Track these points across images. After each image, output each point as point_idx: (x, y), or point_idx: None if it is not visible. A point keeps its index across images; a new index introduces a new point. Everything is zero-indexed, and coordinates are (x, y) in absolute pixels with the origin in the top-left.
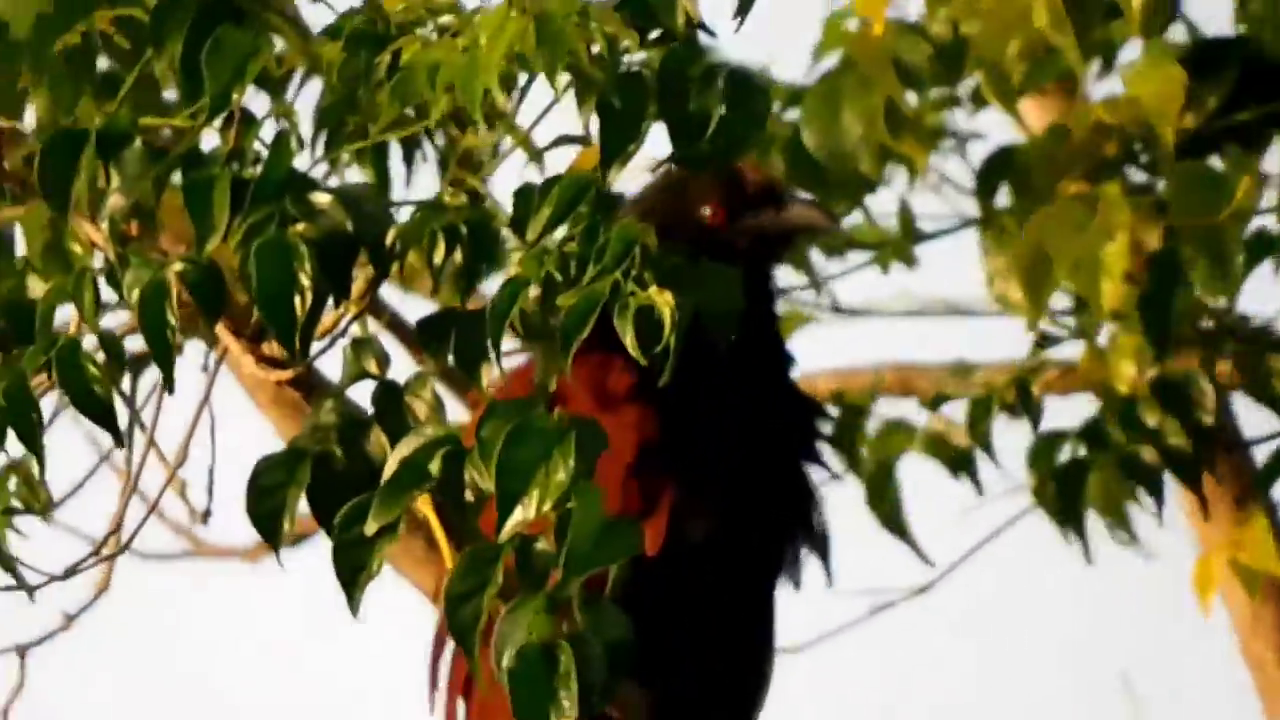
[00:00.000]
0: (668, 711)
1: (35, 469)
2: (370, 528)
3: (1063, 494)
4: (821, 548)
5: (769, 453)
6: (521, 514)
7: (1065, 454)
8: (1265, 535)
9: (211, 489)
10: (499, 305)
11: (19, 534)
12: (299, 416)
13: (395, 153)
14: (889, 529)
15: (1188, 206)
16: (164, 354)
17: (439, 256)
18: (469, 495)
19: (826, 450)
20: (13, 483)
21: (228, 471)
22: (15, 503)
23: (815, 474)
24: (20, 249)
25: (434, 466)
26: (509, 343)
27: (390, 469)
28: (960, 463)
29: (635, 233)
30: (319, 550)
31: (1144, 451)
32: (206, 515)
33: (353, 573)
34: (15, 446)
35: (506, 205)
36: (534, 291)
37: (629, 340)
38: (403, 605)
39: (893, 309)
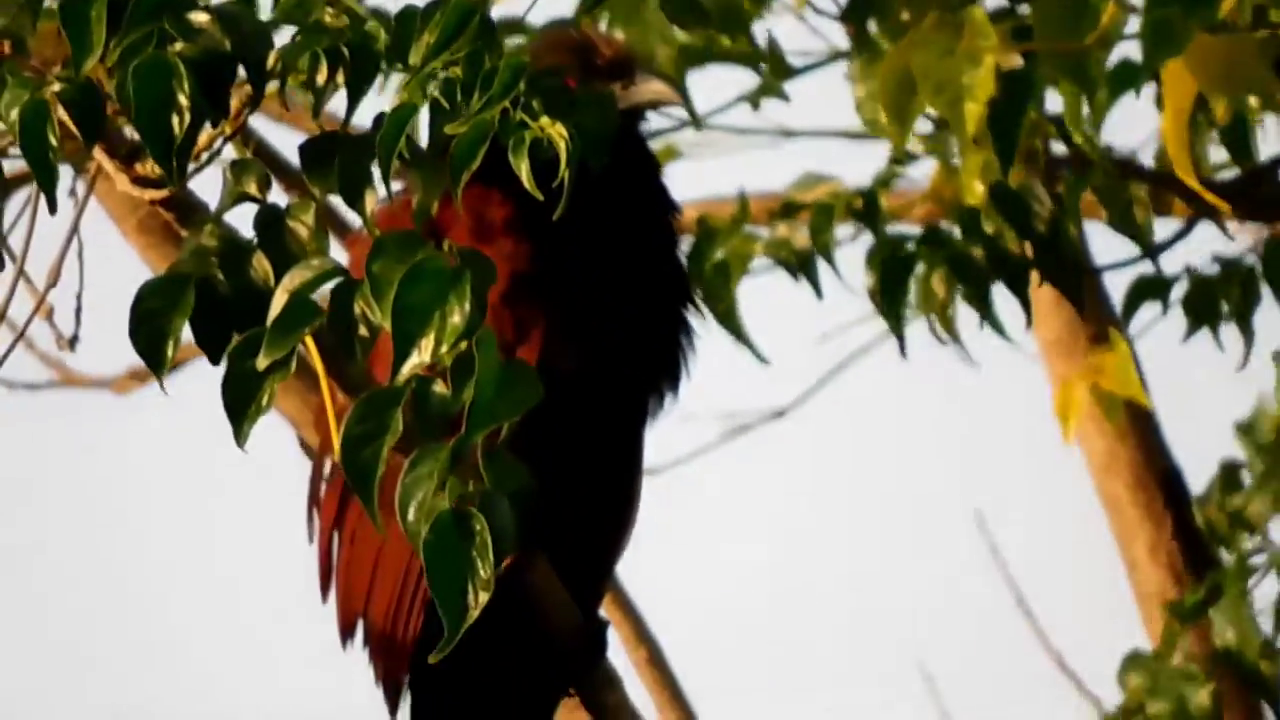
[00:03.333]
0: (542, 546)
1: None
2: (262, 363)
3: (886, 287)
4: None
5: (644, 292)
6: (418, 357)
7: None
8: (1126, 360)
9: (79, 315)
10: (388, 133)
11: None
12: (165, 244)
13: None
14: (723, 326)
15: (1051, 30)
16: (46, 175)
17: (321, 79)
18: (362, 330)
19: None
20: None
21: (94, 299)
22: None
23: (686, 319)
24: None
25: (323, 299)
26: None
27: (279, 301)
28: (802, 265)
29: (522, 60)
30: (188, 380)
31: (975, 254)
32: (74, 341)
33: (242, 405)
34: None
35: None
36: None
37: (524, 173)
38: (273, 438)
39: (761, 135)
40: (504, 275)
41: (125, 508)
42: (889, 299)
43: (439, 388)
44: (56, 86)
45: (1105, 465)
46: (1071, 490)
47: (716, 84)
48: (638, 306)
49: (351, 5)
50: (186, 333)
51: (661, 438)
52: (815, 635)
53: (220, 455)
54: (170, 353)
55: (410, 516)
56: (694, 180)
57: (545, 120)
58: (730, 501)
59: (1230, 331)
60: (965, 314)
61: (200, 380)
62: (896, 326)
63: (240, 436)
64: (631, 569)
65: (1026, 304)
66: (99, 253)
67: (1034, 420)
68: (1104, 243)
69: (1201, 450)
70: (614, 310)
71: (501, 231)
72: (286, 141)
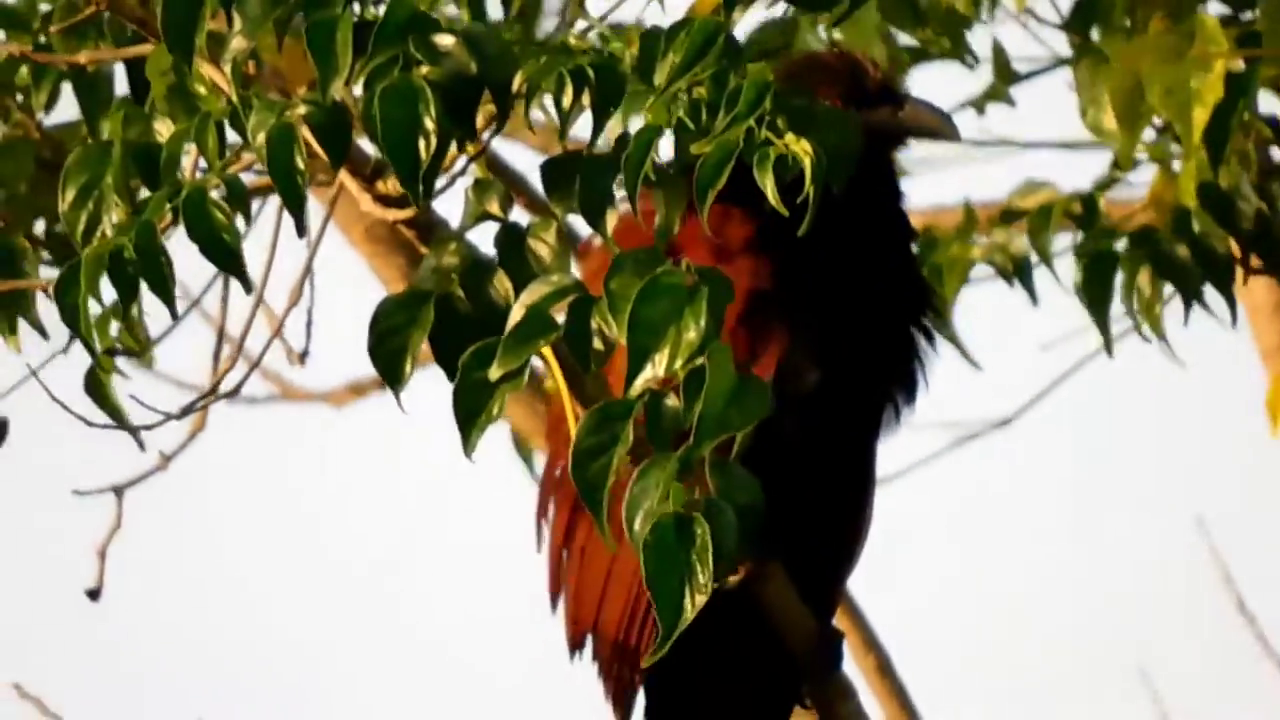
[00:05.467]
0: (778, 557)
1: (135, 313)
2: (494, 373)
3: (1090, 281)
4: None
5: (880, 311)
6: (652, 371)
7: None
8: None
9: (309, 330)
10: (634, 154)
11: (122, 375)
12: (392, 253)
13: None
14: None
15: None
16: (294, 197)
17: (567, 101)
18: (597, 344)
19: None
20: (113, 326)
21: (319, 313)
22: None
23: (921, 338)
24: (120, 88)
25: (560, 314)
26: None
27: (516, 315)
28: (1018, 271)
29: (766, 78)
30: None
31: (1180, 251)
32: (304, 357)
33: (472, 415)
34: (111, 290)
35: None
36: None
37: (769, 189)
38: (494, 450)
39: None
40: (742, 293)
41: (343, 519)
42: (1093, 294)
43: (671, 401)
44: (302, 109)
45: None
46: None
47: (937, 91)
48: (875, 322)
49: (599, 27)
50: None
51: (888, 448)
52: (1039, 641)
53: (439, 466)
54: (409, 369)
55: (637, 525)
56: (916, 190)
57: (790, 137)
58: (956, 510)
59: None
60: (1177, 321)
61: (419, 395)
62: (1101, 322)
63: (469, 445)
64: (859, 577)
65: (1232, 302)
66: (329, 264)
67: (1254, 427)
68: None
69: None
70: (851, 327)
71: (742, 250)
72: (520, 158)
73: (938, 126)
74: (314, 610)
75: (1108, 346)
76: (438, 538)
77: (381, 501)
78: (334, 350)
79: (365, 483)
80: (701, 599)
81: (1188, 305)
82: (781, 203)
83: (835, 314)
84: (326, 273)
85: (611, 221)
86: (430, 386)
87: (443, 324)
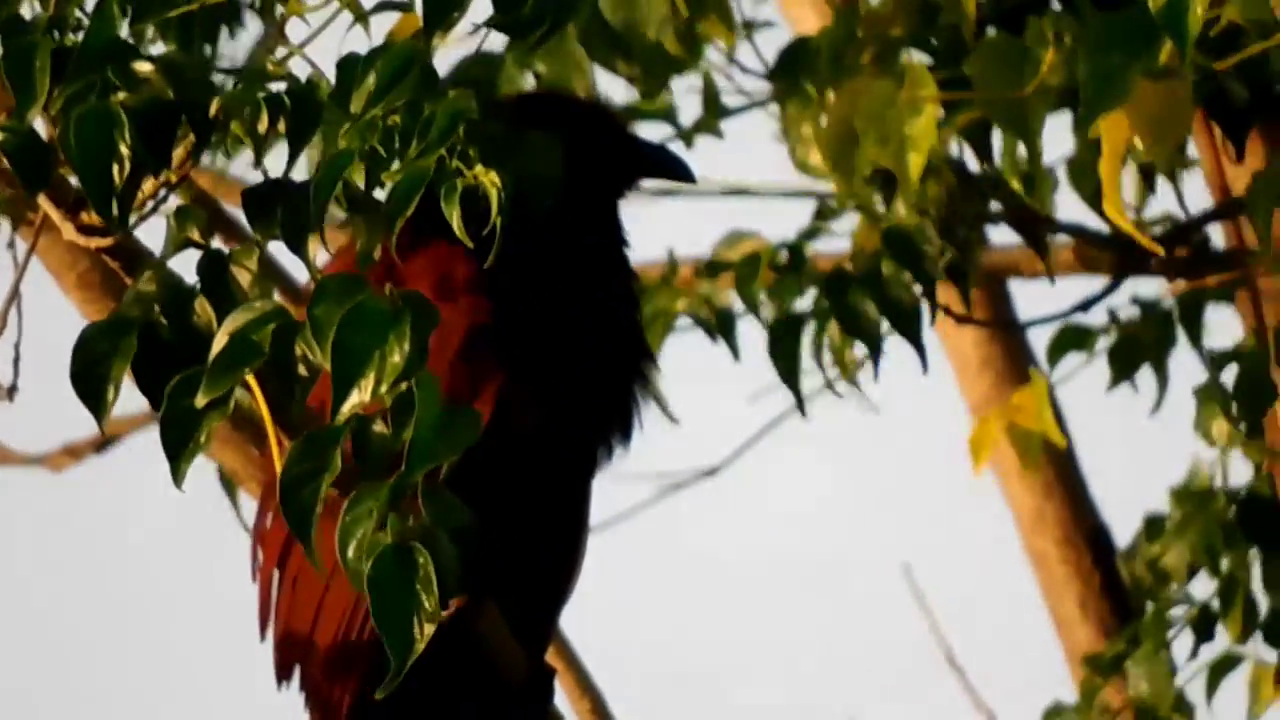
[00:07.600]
0: (493, 592)
1: None
2: (200, 401)
3: (779, 348)
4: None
5: (601, 352)
6: (358, 397)
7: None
8: (1043, 396)
9: (17, 365)
10: (324, 180)
11: None
12: (105, 299)
13: None
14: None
15: (991, 80)
16: None
17: (263, 127)
18: (302, 371)
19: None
20: None
21: (29, 365)
22: None
23: (641, 373)
24: None
25: (264, 341)
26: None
27: (220, 342)
28: (722, 324)
29: (461, 107)
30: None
31: (868, 307)
32: (12, 391)
33: (179, 444)
34: None
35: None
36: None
37: (455, 221)
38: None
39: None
40: (462, 331)
41: (64, 584)
42: (780, 361)
43: (378, 427)
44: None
45: (1033, 523)
46: (1002, 549)
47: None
48: (595, 362)
49: (297, 52)
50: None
51: (597, 495)
52: (749, 692)
53: (160, 530)
54: (111, 398)
55: (350, 554)
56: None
57: (479, 169)
58: (665, 558)
59: (1149, 379)
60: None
61: (137, 457)
62: (793, 385)
63: (178, 475)
64: (574, 622)
65: (920, 350)
66: (41, 308)
67: (963, 479)
68: (1027, 298)
69: (1128, 506)
70: (572, 367)
71: (463, 288)
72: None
73: (678, 170)
74: (32, 685)
75: (800, 408)
76: (160, 602)
77: (99, 565)
78: (50, 408)
79: (83, 547)
80: (431, 627)
81: (875, 360)
82: (468, 235)
83: (557, 353)
84: (41, 324)
85: (314, 247)
86: (151, 450)
87: (146, 352)
